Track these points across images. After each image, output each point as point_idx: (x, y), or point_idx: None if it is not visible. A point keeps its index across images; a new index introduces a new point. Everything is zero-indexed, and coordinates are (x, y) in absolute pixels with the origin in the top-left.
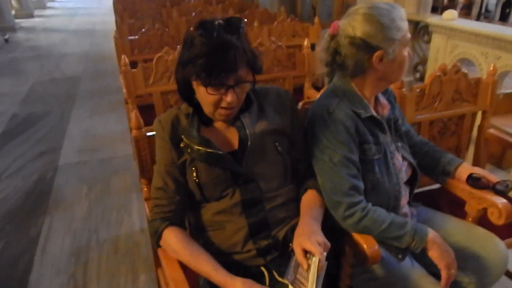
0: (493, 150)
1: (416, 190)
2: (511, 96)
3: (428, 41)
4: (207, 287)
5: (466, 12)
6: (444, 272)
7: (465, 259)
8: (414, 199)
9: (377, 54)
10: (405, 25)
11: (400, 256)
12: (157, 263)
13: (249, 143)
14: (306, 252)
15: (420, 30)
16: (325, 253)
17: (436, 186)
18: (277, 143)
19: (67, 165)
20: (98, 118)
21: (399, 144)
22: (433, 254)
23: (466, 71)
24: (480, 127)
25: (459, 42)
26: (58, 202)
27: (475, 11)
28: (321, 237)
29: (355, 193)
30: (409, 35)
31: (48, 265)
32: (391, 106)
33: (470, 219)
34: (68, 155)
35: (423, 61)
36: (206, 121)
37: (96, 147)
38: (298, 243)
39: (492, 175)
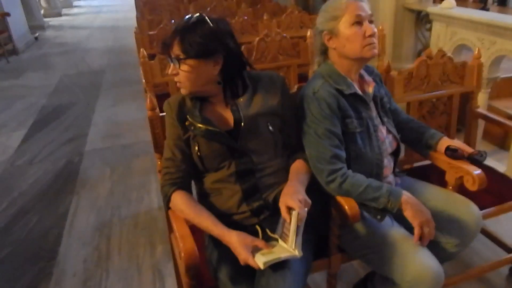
0: (495, 132)
1: (409, 166)
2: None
3: (430, 29)
4: (211, 245)
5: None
6: (416, 229)
7: (442, 221)
8: (408, 174)
9: (324, 34)
10: (345, 7)
11: (379, 217)
12: (170, 229)
13: (242, 124)
14: (289, 209)
15: (422, 19)
16: (306, 208)
17: (428, 162)
18: (268, 123)
19: (93, 150)
20: (121, 107)
21: (385, 119)
22: (408, 213)
23: (451, 55)
24: (468, 107)
25: (458, 29)
26: (84, 183)
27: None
28: (302, 195)
29: (336, 161)
30: (354, 14)
31: (75, 238)
32: (376, 85)
33: (450, 187)
34: (93, 141)
35: (426, 48)
36: (203, 101)
37: (119, 134)
38: (283, 201)
39: (468, 146)
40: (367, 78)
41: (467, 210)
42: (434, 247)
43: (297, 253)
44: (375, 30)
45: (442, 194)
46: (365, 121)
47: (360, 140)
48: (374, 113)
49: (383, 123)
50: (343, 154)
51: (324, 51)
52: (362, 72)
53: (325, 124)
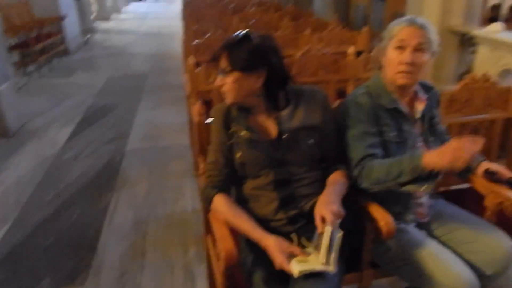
0: None
1: (444, 188)
2: None
3: (473, 52)
4: (246, 249)
5: None
6: (453, 145)
7: (472, 251)
8: (445, 198)
9: (379, 50)
10: (396, 30)
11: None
12: (207, 230)
13: (284, 136)
14: (323, 219)
15: (466, 41)
16: (338, 221)
17: (466, 186)
18: (308, 137)
19: (133, 150)
20: (161, 110)
21: (431, 138)
22: (435, 164)
23: (495, 80)
24: (511, 133)
25: (504, 54)
26: (124, 181)
27: None
28: (335, 207)
29: (369, 157)
30: (399, 38)
31: (114, 233)
32: (428, 104)
33: (489, 212)
34: (134, 142)
35: (468, 71)
36: (247, 111)
37: (158, 136)
38: (317, 210)
39: (508, 171)
40: (421, 95)
41: (497, 244)
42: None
43: (331, 268)
44: (421, 59)
45: (474, 222)
46: (405, 135)
47: (394, 149)
48: (418, 131)
49: (426, 142)
50: (377, 151)
51: (380, 65)
52: (418, 88)
53: (361, 127)
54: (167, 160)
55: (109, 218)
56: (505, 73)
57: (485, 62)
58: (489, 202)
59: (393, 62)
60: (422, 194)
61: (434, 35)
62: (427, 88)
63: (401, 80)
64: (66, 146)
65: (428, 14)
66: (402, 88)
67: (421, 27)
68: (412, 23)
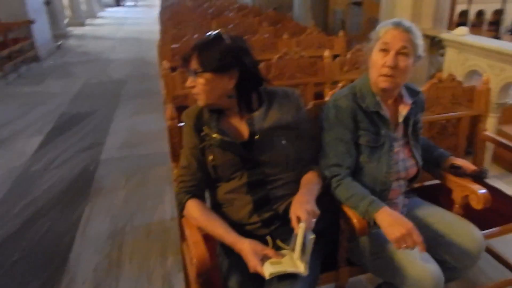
0: (505, 156)
1: (419, 184)
2: None
3: (443, 54)
4: (222, 253)
5: (493, 29)
6: (394, 245)
7: (444, 245)
8: (419, 194)
9: (366, 51)
10: (381, 32)
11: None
12: (182, 238)
13: (256, 137)
14: (299, 219)
15: (435, 44)
16: (314, 220)
17: (437, 181)
18: (282, 137)
19: (109, 159)
20: (139, 117)
21: (412, 142)
22: (383, 227)
23: (460, 80)
24: (476, 130)
25: (470, 56)
26: (98, 191)
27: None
28: (310, 206)
29: (336, 168)
30: (383, 41)
31: (87, 246)
32: (414, 108)
33: (457, 205)
34: (110, 150)
35: (439, 72)
36: (220, 113)
37: (136, 143)
38: (292, 211)
39: (472, 165)
40: (406, 99)
41: (469, 237)
42: (441, 266)
43: (303, 270)
44: (404, 63)
45: (446, 218)
46: (382, 139)
47: (368, 154)
48: (399, 134)
49: (407, 146)
50: (346, 162)
51: (367, 66)
52: (403, 92)
53: (335, 132)
54: (146, 168)
55: (82, 229)
56: (471, 73)
57: (453, 64)
58: (456, 196)
59: (376, 64)
60: (397, 194)
61: (419, 39)
62: (413, 92)
63: (383, 83)
64: (35, 157)
65: (400, 18)
66: (385, 91)
67: (406, 31)
68: (397, 25)
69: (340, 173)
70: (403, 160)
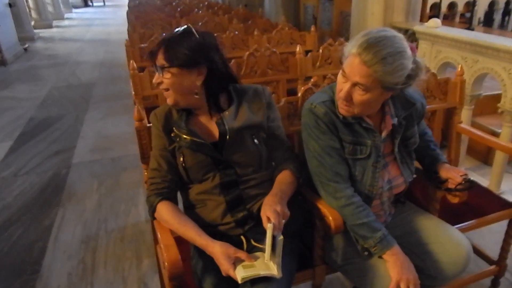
0: (479, 148)
1: None
2: (496, 98)
3: (416, 47)
4: (196, 255)
5: (465, 21)
6: (391, 285)
7: (429, 254)
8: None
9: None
10: (347, 53)
11: (366, 253)
12: (156, 241)
13: (227, 137)
14: (269, 219)
15: (408, 37)
16: (283, 221)
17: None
18: (253, 136)
19: (80, 163)
20: (110, 120)
21: (400, 159)
22: (390, 266)
23: (434, 72)
24: (451, 122)
25: (442, 48)
26: (70, 196)
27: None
28: (280, 206)
29: (339, 179)
30: (344, 67)
31: (60, 251)
32: (405, 123)
33: (433, 201)
34: (81, 154)
35: None
36: (189, 113)
37: (108, 147)
38: (262, 212)
39: (456, 174)
40: (391, 117)
41: (456, 245)
42: (420, 273)
43: (276, 273)
44: (360, 98)
45: (433, 223)
46: (369, 149)
47: (352, 165)
48: (388, 150)
49: (396, 161)
50: (344, 171)
51: None
52: (390, 106)
53: (324, 140)
54: (118, 171)
55: (54, 236)
56: (445, 65)
57: (426, 56)
58: (431, 191)
59: (338, 85)
60: (380, 208)
61: (387, 71)
62: (407, 104)
63: (340, 109)
64: (4, 163)
65: (372, 12)
66: None
67: (365, 64)
68: (359, 54)
69: (347, 187)
70: (389, 180)
